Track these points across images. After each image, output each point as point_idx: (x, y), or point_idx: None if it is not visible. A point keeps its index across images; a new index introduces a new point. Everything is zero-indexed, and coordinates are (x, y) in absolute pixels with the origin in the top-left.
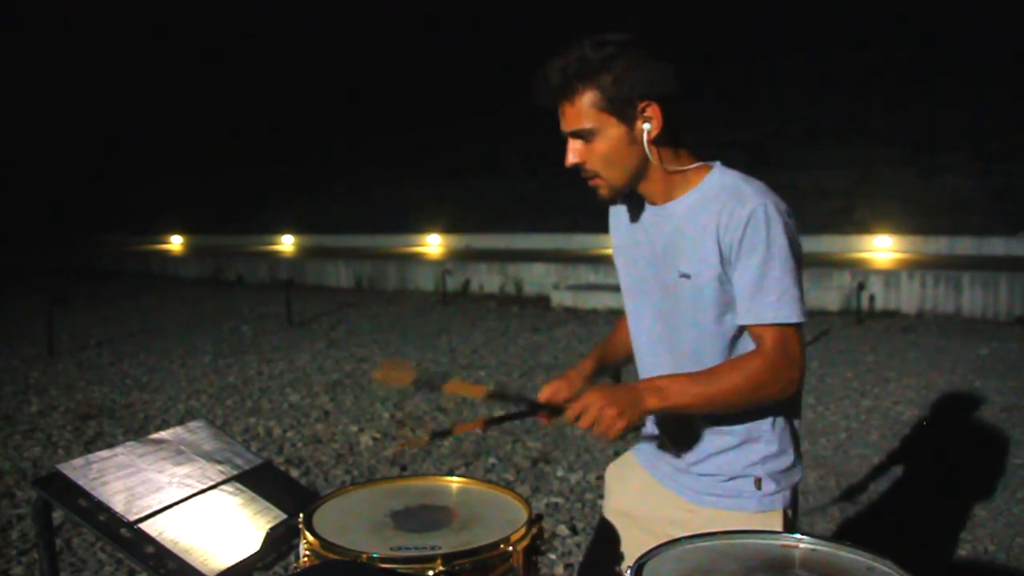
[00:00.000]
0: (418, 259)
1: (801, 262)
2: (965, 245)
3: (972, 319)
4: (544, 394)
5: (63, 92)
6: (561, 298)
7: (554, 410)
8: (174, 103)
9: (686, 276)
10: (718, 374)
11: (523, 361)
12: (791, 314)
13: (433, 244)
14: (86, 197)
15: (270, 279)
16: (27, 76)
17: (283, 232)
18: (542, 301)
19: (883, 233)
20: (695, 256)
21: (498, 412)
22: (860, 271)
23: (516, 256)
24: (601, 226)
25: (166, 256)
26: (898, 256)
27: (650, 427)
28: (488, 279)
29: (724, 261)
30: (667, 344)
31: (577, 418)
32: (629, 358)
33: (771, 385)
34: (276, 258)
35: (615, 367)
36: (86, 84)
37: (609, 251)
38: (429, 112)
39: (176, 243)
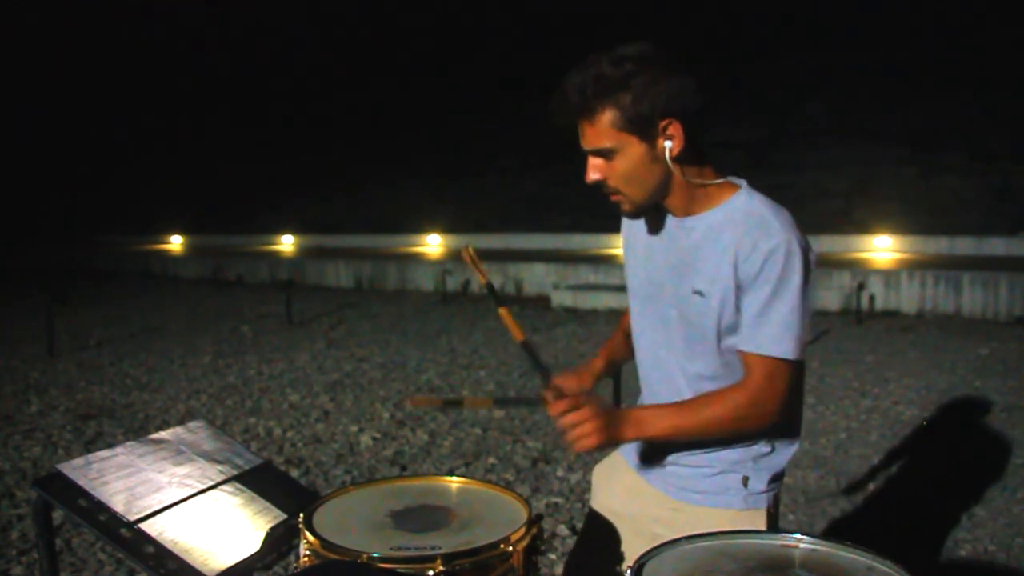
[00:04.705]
0: (418, 259)
1: (809, 304)
2: (965, 245)
3: (972, 319)
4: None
5: (63, 92)
6: (561, 298)
7: (557, 393)
8: (174, 103)
9: (699, 294)
10: (700, 406)
11: (523, 361)
12: (788, 350)
13: (433, 244)
14: (86, 197)
15: (270, 279)
16: (27, 76)
17: (283, 232)
18: (542, 301)
19: (883, 233)
20: (710, 276)
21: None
22: (860, 271)
23: (516, 256)
24: (601, 226)
25: (166, 256)
26: (898, 256)
27: None
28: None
29: (738, 287)
30: (669, 351)
31: (561, 415)
32: (633, 355)
33: (752, 419)
34: (276, 258)
35: (622, 364)
36: (86, 84)
37: (609, 251)
38: (429, 112)
39: (176, 243)
